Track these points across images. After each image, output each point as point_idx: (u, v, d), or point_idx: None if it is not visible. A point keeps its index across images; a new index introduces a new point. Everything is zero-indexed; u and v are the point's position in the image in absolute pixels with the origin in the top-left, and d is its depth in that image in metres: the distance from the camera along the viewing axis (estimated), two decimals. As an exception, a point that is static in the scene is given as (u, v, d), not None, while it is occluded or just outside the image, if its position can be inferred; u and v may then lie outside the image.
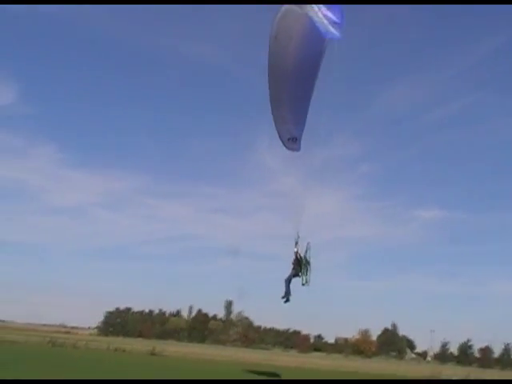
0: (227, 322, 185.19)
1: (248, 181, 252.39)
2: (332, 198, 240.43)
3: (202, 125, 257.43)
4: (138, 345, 72.89)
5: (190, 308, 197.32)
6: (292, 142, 22.86)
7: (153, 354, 53.40)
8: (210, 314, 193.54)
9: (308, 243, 23.15)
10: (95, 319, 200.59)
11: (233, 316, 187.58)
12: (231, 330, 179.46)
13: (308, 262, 23.24)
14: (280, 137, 22.75)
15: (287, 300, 23.98)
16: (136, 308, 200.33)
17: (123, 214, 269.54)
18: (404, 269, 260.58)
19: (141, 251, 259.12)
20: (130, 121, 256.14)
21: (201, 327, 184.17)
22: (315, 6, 17.60)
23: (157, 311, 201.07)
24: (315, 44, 19.22)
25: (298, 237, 23.18)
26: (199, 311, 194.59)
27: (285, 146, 23.00)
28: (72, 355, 41.92)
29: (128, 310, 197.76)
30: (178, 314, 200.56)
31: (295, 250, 23.33)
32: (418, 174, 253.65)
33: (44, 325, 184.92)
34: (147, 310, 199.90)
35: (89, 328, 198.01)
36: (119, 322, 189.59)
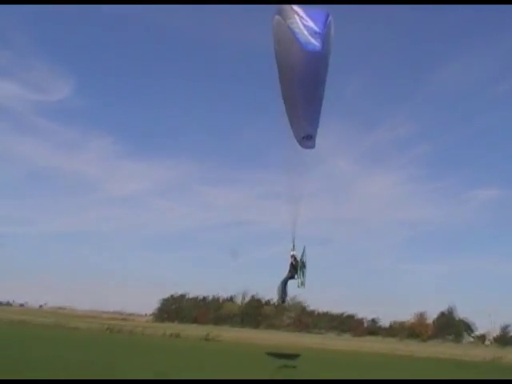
0: (280, 307, 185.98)
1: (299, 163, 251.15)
2: (387, 179, 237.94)
3: (253, 109, 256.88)
4: (193, 330, 74.26)
5: (244, 293, 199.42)
6: (307, 139, 22.50)
7: (207, 339, 54.31)
8: (264, 300, 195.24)
9: (304, 246, 23.23)
10: (151, 306, 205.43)
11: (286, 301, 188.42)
12: (285, 314, 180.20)
13: (304, 265, 23.28)
14: (295, 135, 22.39)
15: (283, 301, 24.15)
16: (190, 294, 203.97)
17: (178, 201, 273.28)
18: (462, 250, 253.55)
19: (195, 238, 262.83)
20: (183, 109, 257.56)
21: (254, 312, 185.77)
22: (297, 16, 17.94)
23: (211, 297, 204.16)
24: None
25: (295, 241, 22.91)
26: (253, 297, 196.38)
27: (299, 144, 22.62)
28: (129, 341, 43.14)
29: (183, 296, 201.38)
30: (231, 299, 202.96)
31: (292, 253, 23.40)
32: (475, 154, 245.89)
33: (103, 312, 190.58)
34: (201, 296, 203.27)
35: (145, 315, 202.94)
36: (174, 309, 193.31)
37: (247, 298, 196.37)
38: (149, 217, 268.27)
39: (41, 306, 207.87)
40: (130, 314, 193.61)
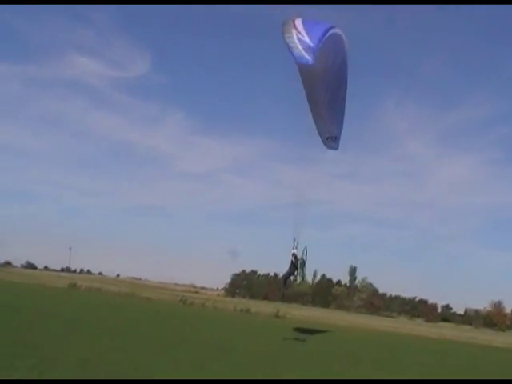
0: (351, 288, 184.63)
1: (373, 145, 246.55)
2: (465, 161, 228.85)
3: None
4: (263, 307, 74.80)
5: (314, 273, 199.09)
6: (331, 140, 24.43)
7: (277, 316, 54.44)
8: (334, 280, 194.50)
9: (305, 246, 25.66)
10: (222, 281, 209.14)
11: (357, 282, 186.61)
12: (355, 296, 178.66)
13: (304, 263, 25.84)
14: (320, 135, 23.94)
15: (283, 295, 34.09)
16: (261, 271, 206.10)
17: (251, 178, 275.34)
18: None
19: (267, 215, 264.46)
20: (256, 85, 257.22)
21: (324, 292, 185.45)
22: (295, 31, 19.79)
23: (282, 275, 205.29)
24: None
25: (296, 241, 25.52)
26: (323, 276, 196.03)
27: (324, 144, 24.45)
28: (201, 314, 43.86)
29: (254, 272, 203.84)
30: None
31: (293, 251, 25.60)
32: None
33: (175, 284, 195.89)
34: (272, 273, 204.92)
35: (216, 289, 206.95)
36: (245, 285, 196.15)
37: (318, 278, 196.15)
38: (222, 193, 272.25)
39: (118, 276, 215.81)
40: (202, 288, 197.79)
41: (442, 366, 24.45)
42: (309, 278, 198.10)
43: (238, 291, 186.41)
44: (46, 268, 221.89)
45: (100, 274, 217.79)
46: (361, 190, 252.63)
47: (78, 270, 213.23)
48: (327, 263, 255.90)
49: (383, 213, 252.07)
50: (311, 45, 19.53)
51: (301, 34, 19.90)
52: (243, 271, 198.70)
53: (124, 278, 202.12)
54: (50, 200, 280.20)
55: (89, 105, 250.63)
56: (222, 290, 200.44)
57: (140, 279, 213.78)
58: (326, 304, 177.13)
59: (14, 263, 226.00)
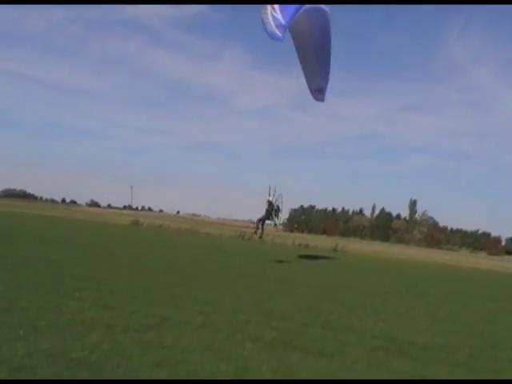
0: (411, 222, 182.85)
1: (435, 75, 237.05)
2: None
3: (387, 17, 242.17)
4: (322, 241, 75.18)
5: (374, 206, 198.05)
6: (319, 92, 27.45)
7: (335, 250, 54.70)
8: (394, 213, 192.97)
9: (280, 194, 28.76)
10: (282, 216, 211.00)
11: (417, 216, 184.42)
12: (415, 229, 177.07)
13: (279, 209, 29.34)
14: (309, 88, 27.24)
15: (260, 237, 31.14)
16: (320, 206, 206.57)
17: (310, 113, 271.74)
18: None
19: (326, 150, 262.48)
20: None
21: (384, 226, 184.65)
22: (270, 8, 21.69)
23: (340, 209, 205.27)
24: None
25: (272, 188, 28.35)
26: (382, 210, 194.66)
27: (313, 96, 27.49)
28: (261, 248, 44.47)
29: (312, 207, 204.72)
30: (361, 212, 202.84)
31: (268, 198, 28.68)
32: None
33: (234, 220, 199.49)
34: (331, 208, 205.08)
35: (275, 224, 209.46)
36: (304, 219, 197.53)
37: (377, 211, 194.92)
38: (281, 129, 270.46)
39: (178, 213, 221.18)
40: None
41: (507, 299, 24.06)
42: (367, 211, 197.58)
43: (296, 226, 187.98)
44: (109, 206, 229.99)
45: (161, 211, 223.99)
46: (424, 122, 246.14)
47: (139, 208, 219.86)
48: (387, 197, 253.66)
49: (447, 144, 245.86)
50: (282, 22, 21.66)
51: (275, 11, 21.87)
52: (301, 206, 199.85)
53: (184, 215, 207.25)
54: (111, 139, 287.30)
55: (147, 44, 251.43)
56: (280, 224, 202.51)
57: (199, 216, 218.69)
58: (385, 238, 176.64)
59: (78, 202, 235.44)
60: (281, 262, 30.40)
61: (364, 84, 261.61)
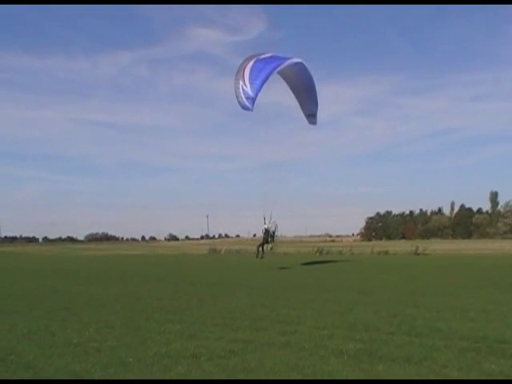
0: (494, 215, 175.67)
1: (505, 60, 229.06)
2: None
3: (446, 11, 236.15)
4: (401, 246, 73.59)
5: (452, 204, 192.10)
6: (312, 117, 33.38)
7: (416, 253, 53.34)
8: (474, 208, 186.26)
9: (275, 222, 34.53)
10: (358, 226, 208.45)
11: (500, 208, 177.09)
12: (499, 222, 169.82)
13: (273, 236, 34.94)
14: (304, 113, 33.18)
15: (262, 258, 36.44)
16: (396, 211, 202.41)
17: (378, 118, 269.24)
18: None
19: (398, 152, 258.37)
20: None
21: (465, 223, 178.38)
22: (241, 81, 27.45)
23: (417, 211, 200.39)
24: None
25: (266, 217, 33.67)
26: (462, 206, 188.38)
27: (307, 120, 33.36)
28: (338, 260, 44.08)
29: (388, 213, 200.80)
30: (439, 211, 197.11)
31: (264, 226, 34.27)
32: None
33: (310, 236, 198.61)
34: (408, 211, 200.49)
35: (352, 235, 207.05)
36: (381, 226, 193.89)
37: (456, 209, 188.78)
38: (349, 137, 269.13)
39: (254, 236, 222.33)
40: (338, 236, 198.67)
41: None
42: (446, 210, 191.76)
43: (373, 234, 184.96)
44: (187, 238, 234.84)
45: (237, 236, 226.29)
46: (497, 109, 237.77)
47: (216, 236, 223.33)
48: (465, 192, 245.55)
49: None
50: (251, 95, 27.10)
51: (245, 85, 27.40)
52: (377, 213, 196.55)
53: (260, 237, 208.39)
54: (184, 171, 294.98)
55: (211, 73, 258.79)
56: (357, 235, 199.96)
57: (276, 236, 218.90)
58: (467, 235, 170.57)
59: (158, 237, 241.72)
60: (359, 271, 29.99)
61: (431, 80, 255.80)
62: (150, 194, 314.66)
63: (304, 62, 31.16)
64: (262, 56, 29.30)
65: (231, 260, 46.00)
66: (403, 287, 20.59)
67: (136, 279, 26.15)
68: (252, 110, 27.24)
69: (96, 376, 7.82)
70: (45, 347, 9.87)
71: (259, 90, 27.22)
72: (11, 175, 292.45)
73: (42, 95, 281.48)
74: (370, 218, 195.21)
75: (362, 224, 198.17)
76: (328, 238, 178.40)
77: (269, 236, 34.80)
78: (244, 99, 27.13)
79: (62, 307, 15.36)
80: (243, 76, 27.55)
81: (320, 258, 50.08)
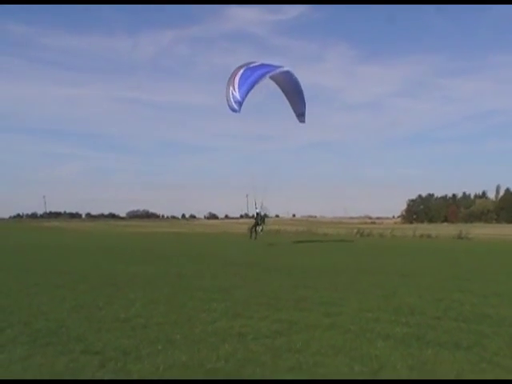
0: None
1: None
2: None
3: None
4: (444, 230, 72.44)
5: (498, 187, 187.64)
6: (301, 115, 37.20)
7: (459, 237, 52.43)
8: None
9: (266, 207, 40.12)
10: (398, 208, 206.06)
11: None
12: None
13: (263, 219, 40.08)
14: (294, 112, 37.02)
15: (255, 238, 40.50)
16: (438, 193, 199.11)
17: (419, 99, 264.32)
18: None
19: (441, 135, 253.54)
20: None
21: (510, 207, 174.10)
22: (231, 87, 31.83)
23: (460, 194, 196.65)
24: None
25: (256, 202, 38.36)
26: (507, 190, 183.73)
27: (297, 119, 37.28)
28: (379, 243, 43.70)
29: (430, 196, 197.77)
30: (483, 195, 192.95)
31: (257, 211, 39.14)
32: None
33: (350, 217, 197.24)
34: (450, 194, 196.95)
35: (393, 217, 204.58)
36: (422, 209, 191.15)
37: (501, 192, 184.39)
38: (391, 119, 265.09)
39: (293, 216, 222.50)
40: (378, 218, 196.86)
41: None
42: (491, 194, 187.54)
43: (415, 217, 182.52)
44: (226, 217, 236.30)
45: (277, 216, 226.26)
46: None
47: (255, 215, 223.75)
48: (511, 176, 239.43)
49: None
50: (239, 99, 31.35)
51: (234, 90, 31.58)
52: (419, 196, 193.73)
53: (300, 218, 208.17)
54: (223, 151, 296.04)
55: (251, 53, 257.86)
56: (398, 217, 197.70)
57: (315, 217, 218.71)
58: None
59: (197, 216, 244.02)
60: (402, 254, 29.67)
61: (475, 61, 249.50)
62: (189, 173, 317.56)
63: (291, 70, 35.34)
64: (252, 65, 33.24)
65: (270, 240, 45.95)
66: (447, 271, 20.29)
67: (177, 257, 26.49)
68: (239, 112, 31.75)
69: (144, 352, 7.94)
70: (93, 321, 10.08)
71: (246, 95, 31.60)
72: (55, 152, 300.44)
73: (82, 73, 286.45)
74: (412, 201, 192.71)
75: (403, 206, 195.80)
76: (368, 220, 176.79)
77: (259, 219, 39.76)
78: (233, 102, 31.67)
79: (108, 283, 15.68)
80: (233, 82, 31.86)
81: (360, 240, 49.76)
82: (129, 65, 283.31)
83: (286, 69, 34.62)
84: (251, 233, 41.69)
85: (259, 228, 40.48)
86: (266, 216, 40.54)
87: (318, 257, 28.63)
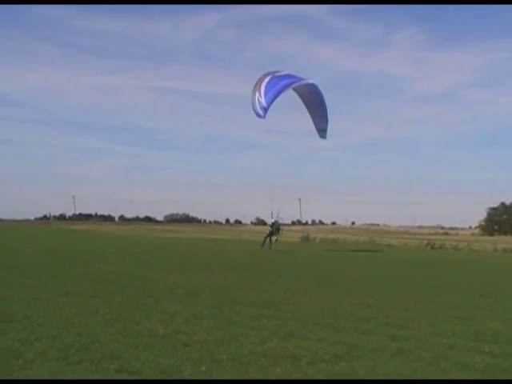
0: None
1: None
2: None
3: None
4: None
5: None
6: (322, 131, 41.14)
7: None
8: None
9: (282, 218, 45.67)
10: (476, 217, 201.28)
11: None
12: None
13: (278, 229, 44.53)
14: (315, 127, 40.91)
15: (269, 248, 43.33)
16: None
17: (501, 90, 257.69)
18: None
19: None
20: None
21: None
22: (257, 93, 36.26)
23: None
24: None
25: (273, 212, 43.77)
26: None
27: (318, 134, 41.24)
28: (452, 257, 42.89)
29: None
30: None
31: (272, 221, 44.54)
32: None
33: (419, 227, 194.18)
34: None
35: (469, 228, 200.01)
36: (506, 219, 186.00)
37: None
38: (465, 112, 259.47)
39: (353, 224, 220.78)
40: (452, 228, 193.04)
41: None
42: None
43: (496, 228, 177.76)
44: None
45: (333, 223, 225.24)
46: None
47: (309, 222, 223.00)
48: None
49: None
50: (264, 105, 35.77)
51: (260, 96, 35.87)
52: (502, 204, 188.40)
53: (360, 226, 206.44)
54: (272, 148, 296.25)
55: (307, 37, 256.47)
56: (476, 228, 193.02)
57: (377, 225, 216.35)
58: None
59: (243, 221, 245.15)
60: (481, 271, 29.03)
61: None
62: (235, 172, 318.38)
63: (316, 84, 39.75)
64: (278, 74, 37.59)
65: (327, 250, 45.80)
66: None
67: (222, 267, 26.66)
68: (264, 118, 36.21)
69: (186, 373, 8.02)
70: (129, 337, 10.22)
71: (272, 102, 35.75)
72: (86, 148, 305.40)
73: (117, 60, 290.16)
74: (493, 209, 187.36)
75: (482, 215, 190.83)
76: (440, 231, 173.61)
77: (274, 229, 44.28)
78: (258, 108, 35.91)
79: (145, 294, 15.90)
80: (259, 89, 36.02)
81: (431, 254, 48.95)
82: (169, 51, 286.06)
83: (311, 81, 38.97)
84: (264, 242, 45.32)
85: (274, 238, 44.75)
86: (280, 225, 45.50)
87: (381, 270, 28.31)
